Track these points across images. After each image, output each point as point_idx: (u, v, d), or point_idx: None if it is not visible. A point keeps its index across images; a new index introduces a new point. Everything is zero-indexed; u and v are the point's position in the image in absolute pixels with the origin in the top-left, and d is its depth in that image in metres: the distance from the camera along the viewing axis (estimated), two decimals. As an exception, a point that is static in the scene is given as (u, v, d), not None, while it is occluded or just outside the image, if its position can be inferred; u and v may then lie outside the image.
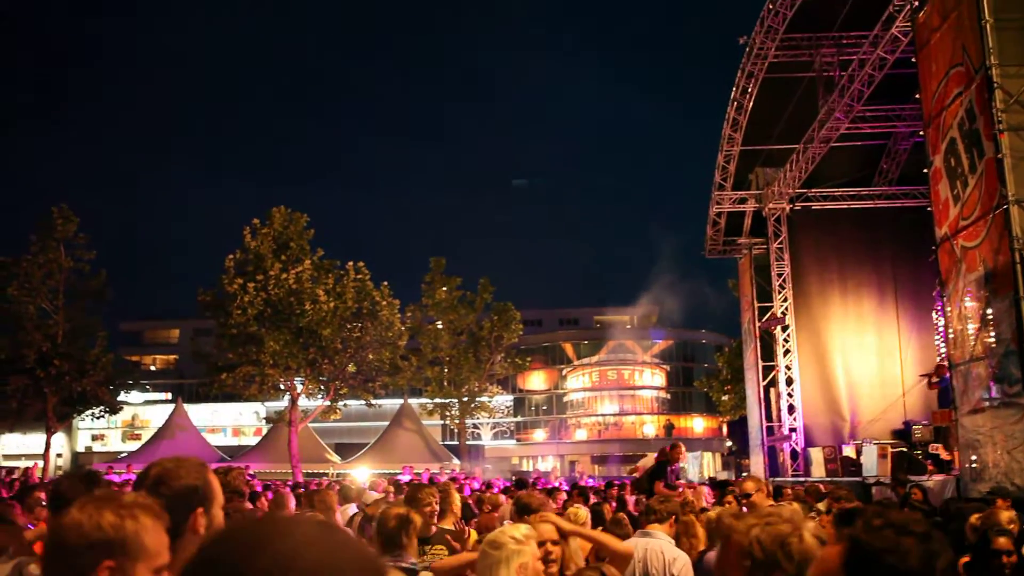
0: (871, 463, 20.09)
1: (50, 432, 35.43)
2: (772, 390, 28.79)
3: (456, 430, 47.68)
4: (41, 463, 33.81)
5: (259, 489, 14.69)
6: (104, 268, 36.82)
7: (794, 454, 27.38)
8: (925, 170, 16.73)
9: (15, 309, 34.06)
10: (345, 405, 36.95)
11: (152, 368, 79.20)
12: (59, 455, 56.79)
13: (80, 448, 66.22)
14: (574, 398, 75.95)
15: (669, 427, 70.77)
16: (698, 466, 68.73)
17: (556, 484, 21.83)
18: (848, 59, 22.63)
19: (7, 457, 53.67)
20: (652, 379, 75.74)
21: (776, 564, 2.07)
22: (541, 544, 4.03)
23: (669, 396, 75.44)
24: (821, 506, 10.26)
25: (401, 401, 40.81)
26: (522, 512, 5.16)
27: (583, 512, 6.58)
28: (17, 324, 34.15)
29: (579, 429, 74.81)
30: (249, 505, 6.96)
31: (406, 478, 23.85)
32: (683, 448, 13.04)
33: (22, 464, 35.71)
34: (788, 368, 27.99)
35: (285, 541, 0.98)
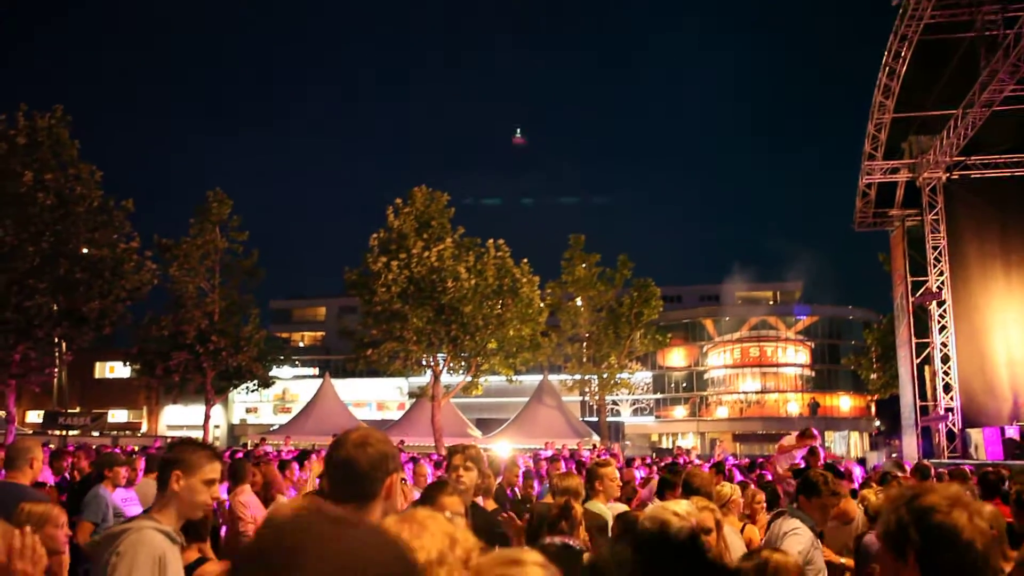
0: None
1: (209, 404, 37.30)
2: (926, 368, 27.63)
3: (595, 406, 47.66)
4: (201, 433, 35.66)
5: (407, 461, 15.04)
6: (256, 248, 38.47)
7: (950, 435, 26.23)
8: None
9: (177, 289, 35.98)
10: (486, 381, 37.37)
11: (300, 344, 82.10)
12: (217, 426, 59.59)
13: (235, 420, 69.28)
14: (715, 375, 74.79)
15: (814, 405, 68.93)
16: (845, 446, 66.73)
17: (698, 462, 21.51)
18: (1015, 16, 21.28)
19: (170, 427, 56.78)
20: (796, 356, 73.83)
21: (947, 546, 2.01)
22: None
23: (814, 374, 73.41)
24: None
25: (541, 377, 41.03)
26: (688, 492, 5.11)
27: (727, 489, 6.41)
28: (178, 303, 36.06)
29: (720, 407, 73.69)
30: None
31: (547, 453, 23.98)
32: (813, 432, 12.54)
33: (183, 434, 37.64)
34: (944, 345, 26.79)
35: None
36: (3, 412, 32.70)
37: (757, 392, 72.92)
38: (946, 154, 25.54)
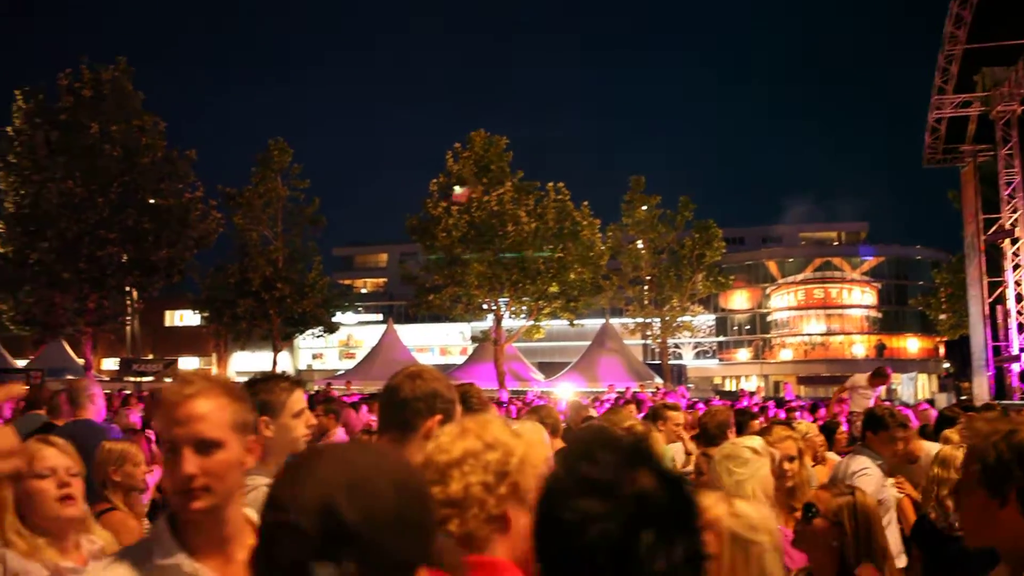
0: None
1: (276, 350, 37.98)
2: (999, 308, 26.92)
3: (657, 349, 47.47)
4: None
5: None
6: (317, 196, 38.73)
7: (1023, 376, 25.63)
8: None
9: (241, 237, 36.51)
10: (548, 325, 37.41)
11: (363, 291, 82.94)
12: (283, 371, 60.71)
13: (302, 366, 70.48)
14: (778, 317, 73.95)
15: (880, 347, 67.88)
16: (913, 388, 65.70)
17: (764, 404, 21.31)
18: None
19: (239, 373, 58.01)
20: (862, 297, 72.61)
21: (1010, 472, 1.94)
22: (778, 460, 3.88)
23: (880, 315, 72.18)
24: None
25: (603, 321, 40.92)
26: (762, 431, 5.06)
27: (803, 425, 6.34)
28: (243, 251, 36.60)
29: (784, 349, 72.96)
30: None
31: (611, 397, 23.95)
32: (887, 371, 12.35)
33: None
34: (1018, 284, 26.09)
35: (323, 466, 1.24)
36: (82, 359, 33.74)
37: (822, 334, 71.99)
38: (1021, 86, 24.60)
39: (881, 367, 12.44)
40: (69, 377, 33.33)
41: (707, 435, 5.36)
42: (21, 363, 40.24)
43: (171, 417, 1.93)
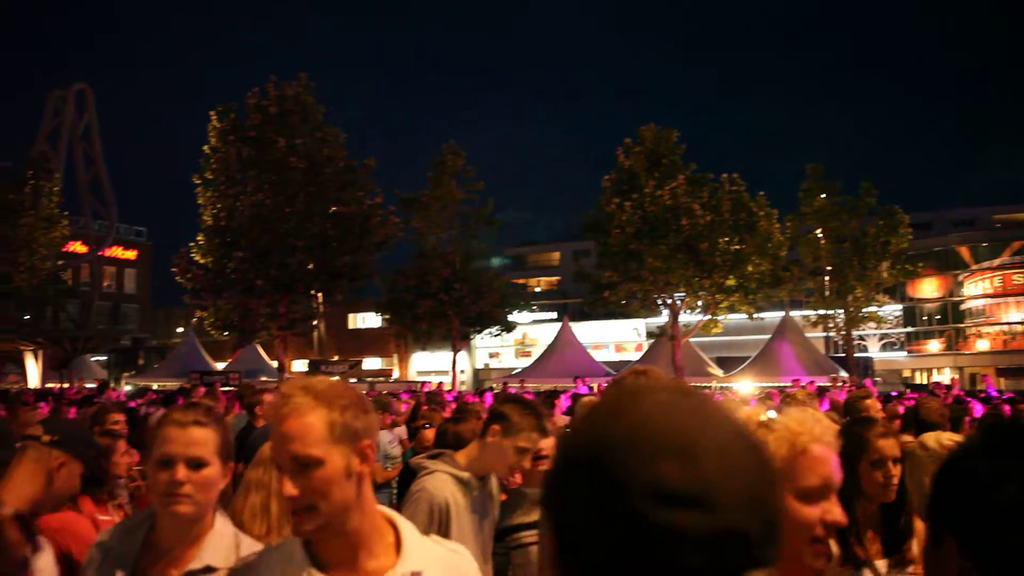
0: None
1: (455, 350, 38.91)
2: None
3: (841, 342, 45.71)
4: (448, 378, 37.34)
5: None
6: (491, 197, 39.50)
7: None
8: None
9: (420, 240, 37.63)
10: (726, 319, 36.69)
11: (536, 290, 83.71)
12: (462, 371, 62.11)
13: (479, 365, 71.82)
14: (973, 305, 69.78)
15: (1090, 335, 63.02)
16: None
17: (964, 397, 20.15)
18: None
19: (419, 373, 59.71)
20: (1067, 282, 67.63)
21: None
22: None
23: (1089, 300, 67.02)
24: None
25: (783, 313, 39.76)
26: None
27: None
28: (421, 254, 37.71)
29: (980, 339, 68.75)
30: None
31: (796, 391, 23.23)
32: None
33: (432, 379, 39.62)
34: None
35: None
36: (275, 362, 35.65)
37: (1023, 323, 67.50)
38: None
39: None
40: (263, 378, 35.36)
41: (924, 425, 5.08)
42: (220, 365, 42.97)
43: (274, 436, 1.92)
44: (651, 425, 0.95)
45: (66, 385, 36.30)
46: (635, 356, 50.79)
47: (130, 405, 14.08)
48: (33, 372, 43.82)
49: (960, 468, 1.21)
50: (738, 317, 37.56)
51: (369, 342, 61.74)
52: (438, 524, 3.26)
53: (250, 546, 2.43)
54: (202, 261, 32.55)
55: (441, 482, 3.40)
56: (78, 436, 3.24)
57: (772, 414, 1.87)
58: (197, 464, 2.36)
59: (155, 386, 38.93)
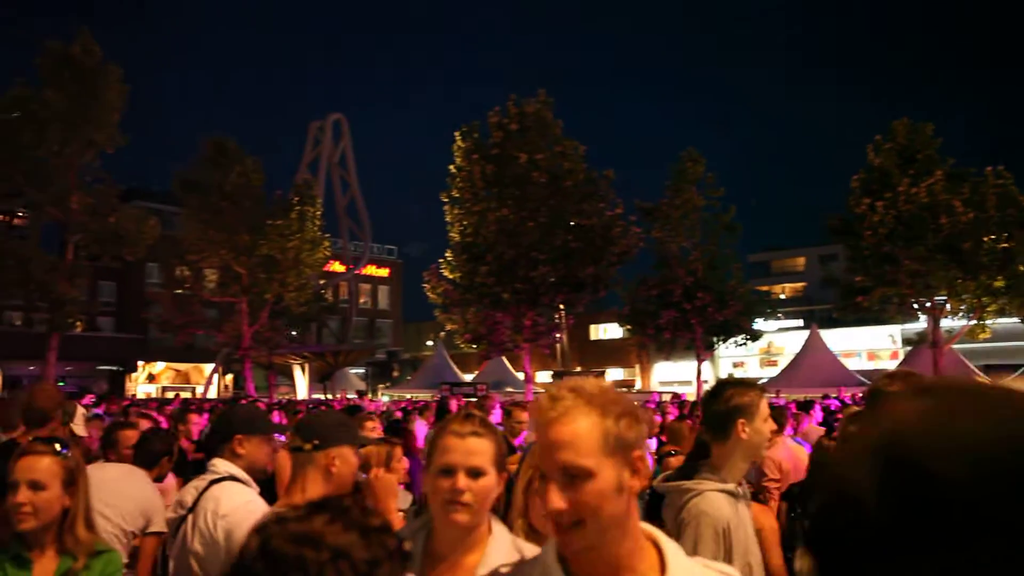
0: None
1: (699, 360, 38.39)
2: None
3: None
4: (693, 389, 36.92)
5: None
6: (733, 204, 38.69)
7: None
8: None
9: (660, 249, 37.45)
10: (994, 323, 34.06)
11: (781, 296, 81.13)
12: (706, 381, 61.05)
13: (723, 375, 70.40)
14: None
15: None
16: None
17: None
18: None
19: (662, 383, 59.35)
20: None
21: None
22: None
23: None
24: None
25: (1059, 317, 36.43)
26: None
27: None
28: (663, 263, 37.51)
29: None
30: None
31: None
32: None
33: (675, 389, 39.29)
34: None
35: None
36: (520, 373, 36.65)
37: None
38: None
39: None
40: (508, 389, 36.36)
41: None
42: (468, 377, 44.64)
43: (541, 441, 1.78)
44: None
45: (330, 396, 38.93)
46: (890, 364, 48.10)
47: (396, 416, 14.86)
48: (301, 384, 47.41)
49: None
50: (1008, 321, 34.84)
51: (611, 352, 62.02)
52: (724, 549, 3.07)
53: (531, 551, 2.39)
54: (451, 276, 34.09)
55: (719, 502, 3.16)
56: (330, 424, 3.52)
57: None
58: (476, 473, 2.45)
59: (408, 395, 41.08)
